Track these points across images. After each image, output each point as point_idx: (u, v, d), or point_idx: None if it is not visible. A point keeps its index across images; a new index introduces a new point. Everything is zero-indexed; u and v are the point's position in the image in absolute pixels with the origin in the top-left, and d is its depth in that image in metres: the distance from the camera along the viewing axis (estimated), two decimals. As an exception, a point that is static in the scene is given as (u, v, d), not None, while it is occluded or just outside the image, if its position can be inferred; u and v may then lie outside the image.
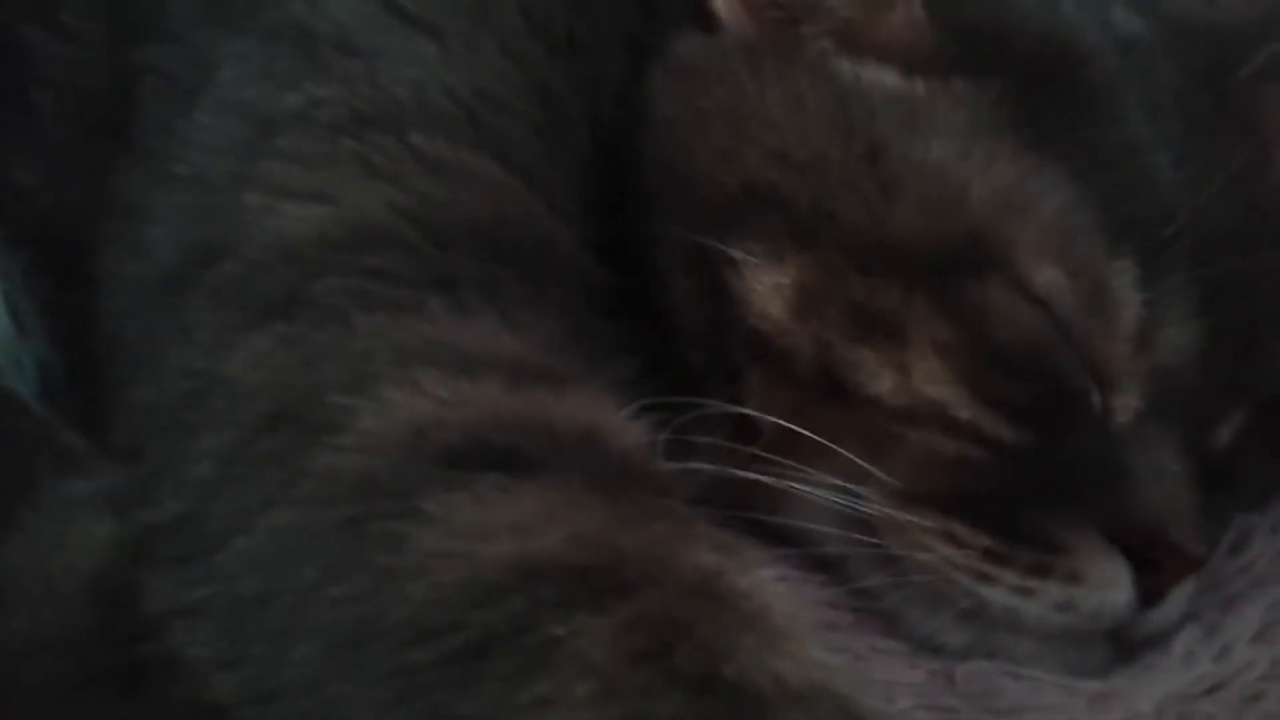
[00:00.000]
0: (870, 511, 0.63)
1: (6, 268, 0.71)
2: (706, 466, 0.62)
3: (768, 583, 0.50)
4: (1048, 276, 0.62)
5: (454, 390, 0.53)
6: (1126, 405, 0.63)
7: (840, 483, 0.63)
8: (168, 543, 0.54)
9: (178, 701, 0.52)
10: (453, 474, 0.50)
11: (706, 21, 0.68)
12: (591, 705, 0.43)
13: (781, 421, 0.63)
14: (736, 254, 0.63)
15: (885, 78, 0.66)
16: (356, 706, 0.46)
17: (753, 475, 0.64)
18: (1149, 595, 0.63)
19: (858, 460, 0.62)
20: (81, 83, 0.72)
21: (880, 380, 0.62)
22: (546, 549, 0.47)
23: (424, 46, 0.66)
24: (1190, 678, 0.62)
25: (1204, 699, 0.61)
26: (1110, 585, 0.62)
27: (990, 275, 0.62)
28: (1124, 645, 0.65)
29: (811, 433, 0.62)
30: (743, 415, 0.64)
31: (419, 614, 0.46)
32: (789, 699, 0.44)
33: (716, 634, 0.45)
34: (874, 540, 0.64)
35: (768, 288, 0.63)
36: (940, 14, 0.66)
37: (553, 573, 0.46)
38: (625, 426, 0.55)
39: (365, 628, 0.46)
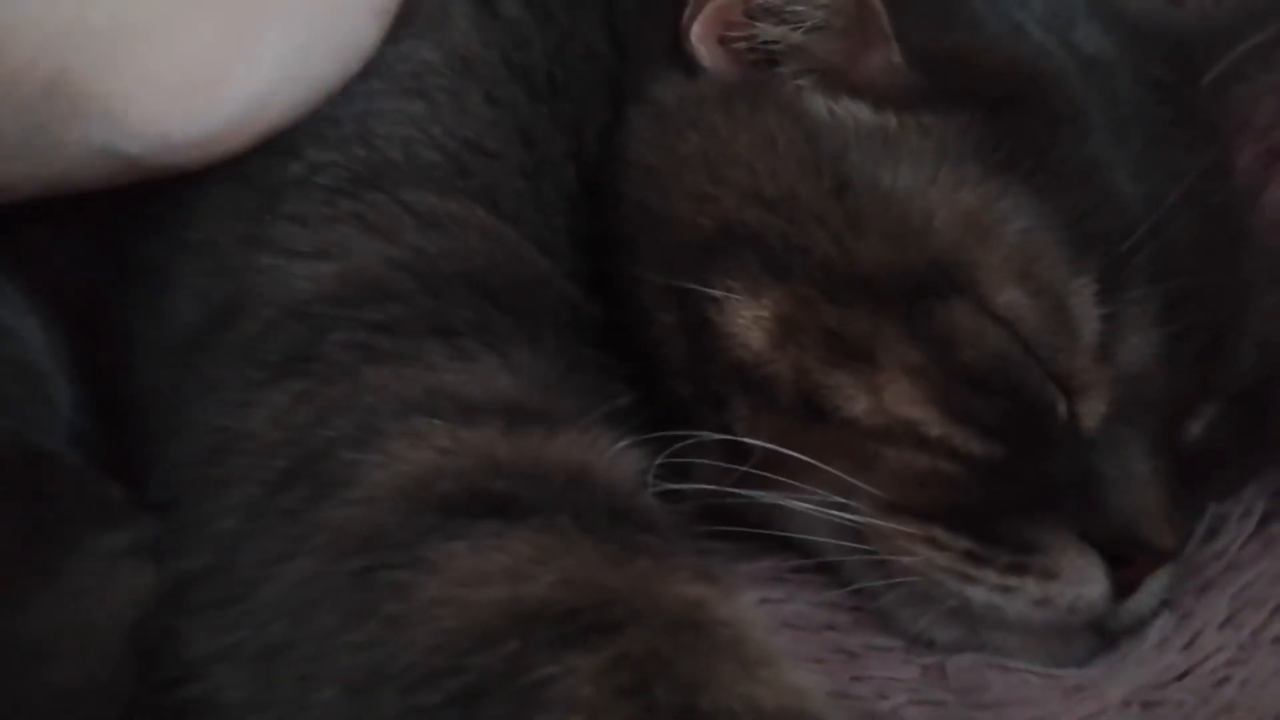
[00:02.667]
0: (857, 521, 0.67)
1: (39, 309, 0.74)
2: (702, 487, 0.66)
3: (748, 608, 0.53)
4: (1010, 297, 0.65)
5: (454, 439, 0.57)
6: (1093, 412, 0.66)
7: (828, 495, 0.67)
8: (201, 591, 0.58)
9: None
10: (453, 522, 0.53)
11: (685, 64, 0.71)
12: None
13: (768, 445, 0.66)
14: (716, 292, 0.66)
15: (860, 112, 0.68)
16: None
17: (745, 493, 0.67)
18: (1123, 588, 0.66)
19: (842, 475, 0.66)
20: None
21: (855, 403, 0.65)
22: (537, 593, 0.50)
23: (412, 105, 0.70)
24: (1161, 665, 0.66)
25: (1173, 686, 0.64)
26: (1084, 580, 0.65)
27: (955, 299, 0.65)
28: (1105, 635, 0.68)
29: (797, 453, 0.66)
30: (733, 439, 0.68)
31: (424, 659, 0.50)
32: None
33: (695, 665, 0.49)
34: (863, 546, 0.67)
35: (747, 321, 0.66)
36: (913, 50, 0.68)
37: (544, 615, 0.50)
38: (614, 462, 0.59)
39: (378, 672, 0.50)
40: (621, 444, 0.60)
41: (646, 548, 0.53)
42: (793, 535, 0.70)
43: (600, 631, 0.49)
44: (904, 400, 0.65)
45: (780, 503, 0.67)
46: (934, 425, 0.65)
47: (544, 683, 0.48)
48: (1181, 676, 0.65)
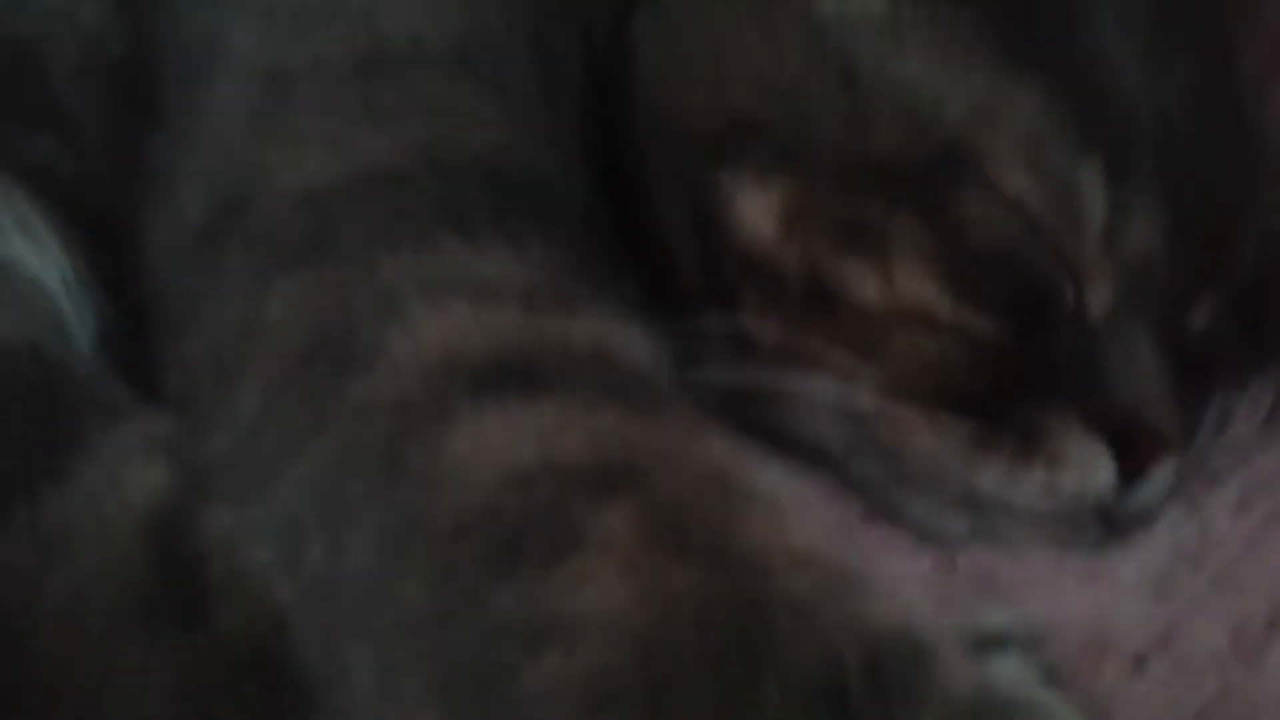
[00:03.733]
0: (863, 406, 0.67)
1: (55, 221, 0.74)
2: (712, 375, 0.66)
3: (773, 477, 0.54)
4: (1018, 181, 0.65)
5: (477, 316, 0.57)
6: (1099, 299, 0.67)
7: (835, 383, 0.67)
8: (224, 474, 0.58)
9: (231, 630, 0.56)
10: (479, 394, 0.53)
11: None
12: (616, 580, 0.47)
13: (777, 336, 0.67)
14: (725, 184, 0.67)
15: (871, 3, 0.68)
16: (407, 598, 0.50)
17: (755, 380, 0.68)
18: (1129, 476, 0.67)
19: (849, 362, 0.66)
20: (96, 51, 0.75)
21: (865, 287, 0.66)
22: (568, 451, 0.51)
23: None
24: (1172, 550, 0.66)
25: (1184, 570, 0.65)
26: (1090, 467, 0.66)
27: (965, 183, 0.65)
28: (1113, 526, 0.69)
29: (806, 341, 0.66)
30: (742, 330, 0.68)
31: (458, 504, 0.50)
32: (793, 565, 0.48)
33: (728, 513, 0.49)
34: (870, 433, 0.68)
35: (756, 211, 0.66)
36: None
37: (576, 468, 0.50)
38: (633, 342, 0.59)
39: (411, 529, 0.51)
40: (636, 329, 0.60)
41: (673, 412, 0.54)
42: (802, 425, 0.69)
43: (632, 478, 0.50)
44: (915, 283, 0.65)
45: (788, 389, 0.67)
46: (944, 307, 0.65)
47: (579, 525, 0.48)
48: (1193, 561, 0.66)
